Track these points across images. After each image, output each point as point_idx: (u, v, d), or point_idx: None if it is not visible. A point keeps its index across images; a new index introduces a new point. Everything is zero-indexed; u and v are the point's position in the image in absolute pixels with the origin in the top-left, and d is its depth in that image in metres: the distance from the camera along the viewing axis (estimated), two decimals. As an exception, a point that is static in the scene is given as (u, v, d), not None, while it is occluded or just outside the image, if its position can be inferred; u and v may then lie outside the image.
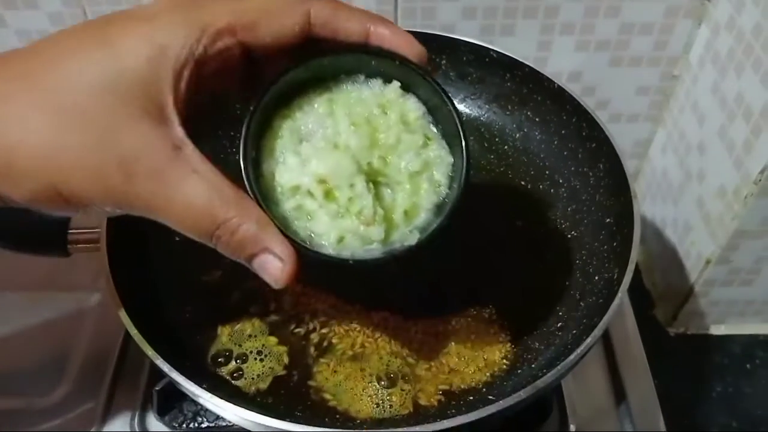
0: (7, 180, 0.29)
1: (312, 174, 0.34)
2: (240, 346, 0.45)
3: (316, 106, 0.36)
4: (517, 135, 0.57)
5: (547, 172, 0.55)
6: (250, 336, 0.45)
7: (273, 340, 0.45)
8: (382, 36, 0.34)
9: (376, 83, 0.37)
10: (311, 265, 0.33)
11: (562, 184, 0.54)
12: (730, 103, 0.60)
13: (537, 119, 0.56)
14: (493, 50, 0.55)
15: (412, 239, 0.35)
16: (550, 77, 0.54)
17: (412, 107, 0.37)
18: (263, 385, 0.43)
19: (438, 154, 0.37)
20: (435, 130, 0.37)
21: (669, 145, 0.74)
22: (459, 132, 0.36)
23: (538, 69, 0.54)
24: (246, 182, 0.33)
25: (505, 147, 0.57)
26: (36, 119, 0.29)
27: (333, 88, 0.36)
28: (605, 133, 0.50)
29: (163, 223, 0.31)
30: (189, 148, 0.31)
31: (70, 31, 0.31)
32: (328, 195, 0.34)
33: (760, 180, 0.57)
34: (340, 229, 0.34)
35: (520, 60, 0.55)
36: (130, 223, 0.46)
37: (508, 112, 0.58)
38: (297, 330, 0.46)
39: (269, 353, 0.45)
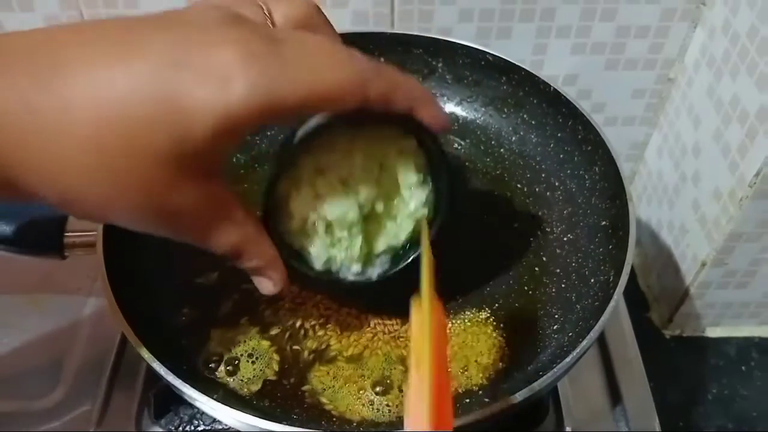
0: (59, 206, 0.30)
1: (321, 216, 0.39)
2: (233, 349, 0.45)
3: (337, 141, 0.39)
4: (513, 138, 0.57)
5: (543, 175, 0.55)
6: (242, 339, 0.45)
7: (266, 344, 0.45)
8: (422, 116, 0.36)
9: (394, 129, 0.40)
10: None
11: (558, 187, 0.54)
12: (726, 106, 0.61)
13: (533, 122, 0.56)
14: (489, 53, 0.56)
15: (387, 267, 0.42)
16: (546, 80, 0.54)
17: (421, 163, 0.41)
18: (256, 387, 0.43)
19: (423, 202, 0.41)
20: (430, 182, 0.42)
21: (665, 148, 0.74)
22: (451, 188, 0.41)
23: (534, 72, 0.55)
24: (264, 213, 0.38)
25: (501, 150, 0.57)
26: (97, 175, 0.29)
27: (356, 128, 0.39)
28: (601, 136, 0.50)
29: None
30: (228, 197, 0.34)
31: (131, 60, 0.28)
32: (327, 228, 0.40)
33: (755, 183, 0.57)
34: (329, 255, 0.41)
35: (516, 63, 0.55)
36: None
37: (504, 115, 0.58)
38: (292, 334, 0.46)
39: (261, 356, 0.45)
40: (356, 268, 0.41)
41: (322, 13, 0.36)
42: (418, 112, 0.36)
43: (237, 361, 0.44)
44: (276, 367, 0.44)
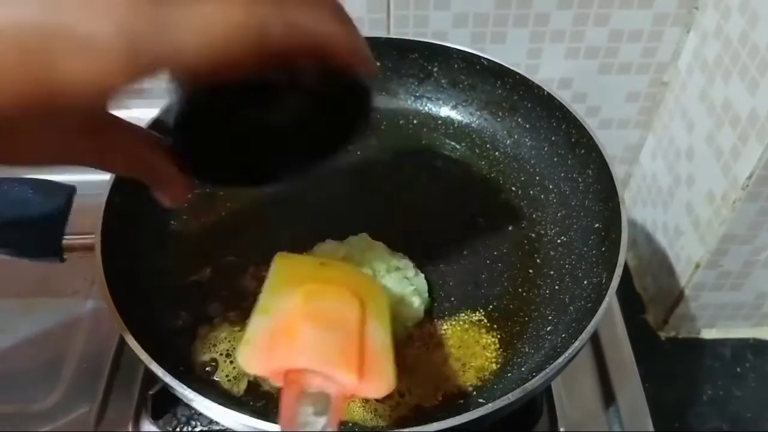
0: None
1: None
2: (228, 349, 0.45)
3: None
4: (508, 141, 0.58)
5: (537, 178, 0.55)
6: (234, 339, 0.45)
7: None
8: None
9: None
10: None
11: (552, 189, 0.54)
12: (718, 109, 0.61)
13: (527, 126, 0.57)
14: (484, 58, 0.56)
15: None
16: (539, 84, 0.54)
17: None
18: (245, 387, 0.43)
19: None
20: None
21: (659, 151, 0.74)
22: None
23: (528, 76, 0.55)
24: None
25: (496, 153, 0.58)
26: None
27: None
28: (594, 140, 0.51)
29: None
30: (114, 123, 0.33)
31: None
32: None
33: (747, 185, 0.58)
34: None
35: (511, 67, 0.56)
36: (124, 230, 0.47)
37: (499, 119, 0.58)
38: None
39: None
40: None
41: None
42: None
43: (231, 362, 0.44)
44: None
